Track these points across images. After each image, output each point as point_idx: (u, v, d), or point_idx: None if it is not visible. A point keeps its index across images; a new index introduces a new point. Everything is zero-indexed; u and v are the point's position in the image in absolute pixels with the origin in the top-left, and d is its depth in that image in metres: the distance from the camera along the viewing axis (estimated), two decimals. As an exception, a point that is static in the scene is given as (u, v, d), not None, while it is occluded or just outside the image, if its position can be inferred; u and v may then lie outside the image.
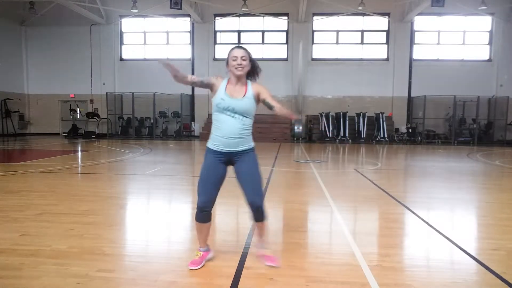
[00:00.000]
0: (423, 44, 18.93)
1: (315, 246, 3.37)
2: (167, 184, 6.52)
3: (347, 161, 10.85)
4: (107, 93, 19.33)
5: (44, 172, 7.30)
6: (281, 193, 5.87)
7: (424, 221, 4.12)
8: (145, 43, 20.14)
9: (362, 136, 17.67)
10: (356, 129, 17.94)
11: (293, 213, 4.55)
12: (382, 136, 17.51)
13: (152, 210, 4.81)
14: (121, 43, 20.23)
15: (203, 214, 2.74)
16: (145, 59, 19.90)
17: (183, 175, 7.60)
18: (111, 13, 19.55)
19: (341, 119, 17.74)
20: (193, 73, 16.84)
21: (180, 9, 15.80)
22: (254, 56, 2.78)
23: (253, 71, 2.78)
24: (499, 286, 2.55)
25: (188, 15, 18.79)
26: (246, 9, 17.33)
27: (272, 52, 19.30)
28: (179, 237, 3.67)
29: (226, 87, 2.68)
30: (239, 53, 2.65)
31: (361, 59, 19.02)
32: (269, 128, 17.33)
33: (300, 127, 17.64)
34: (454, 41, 18.70)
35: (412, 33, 18.81)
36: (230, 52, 2.69)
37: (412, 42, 18.83)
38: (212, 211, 2.79)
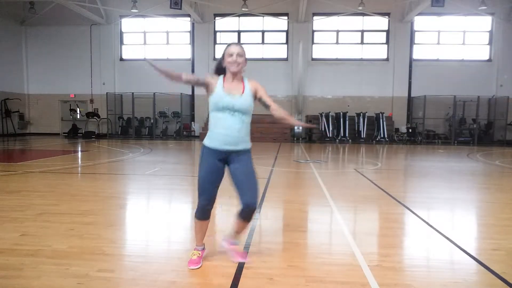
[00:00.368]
0: (423, 44, 18.93)
1: (315, 246, 3.37)
2: (167, 184, 6.52)
3: (347, 161, 10.84)
4: (107, 93, 19.34)
5: (44, 172, 7.30)
6: (281, 193, 5.87)
7: (424, 221, 4.12)
8: (145, 43, 20.15)
9: (362, 136, 17.67)
10: (356, 129, 17.94)
11: (293, 213, 4.55)
12: (382, 136, 17.51)
13: (152, 210, 4.80)
14: (121, 43, 20.24)
15: (205, 211, 2.76)
16: (145, 59, 19.86)
17: (183, 175, 7.60)
18: (111, 13, 19.56)
19: (341, 119, 17.74)
20: (193, 73, 16.82)
21: (180, 9, 15.80)
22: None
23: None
24: (499, 286, 2.55)
25: (188, 15, 18.80)
26: (246, 9, 17.31)
27: (272, 52, 19.23)
28: (179, 237, 3.67)
29: (223, 85, 2.66)
30: (235, 49, 2.64)
31: (361, 59, 19.01)
32: (269, 128, 17.30)
33: (300, 127, 17.64)
34: (454, 41, 18.69)
35: (412, 33, 18.80)
36: (226, 48, 2.69)
37: (412, 42, 18.83)
38: (212, 211, 2.81)
